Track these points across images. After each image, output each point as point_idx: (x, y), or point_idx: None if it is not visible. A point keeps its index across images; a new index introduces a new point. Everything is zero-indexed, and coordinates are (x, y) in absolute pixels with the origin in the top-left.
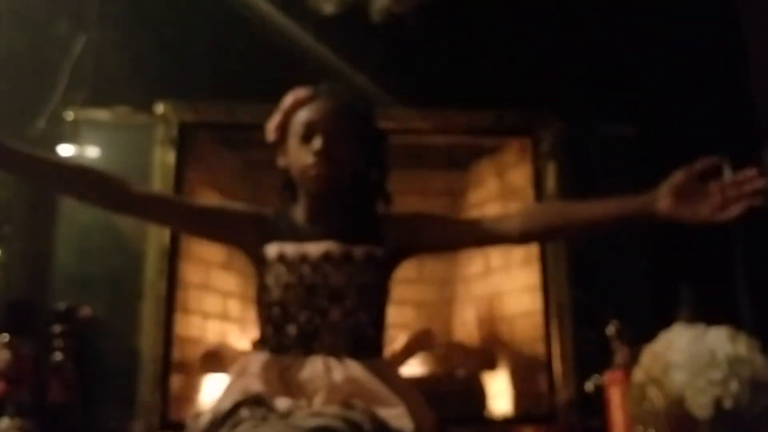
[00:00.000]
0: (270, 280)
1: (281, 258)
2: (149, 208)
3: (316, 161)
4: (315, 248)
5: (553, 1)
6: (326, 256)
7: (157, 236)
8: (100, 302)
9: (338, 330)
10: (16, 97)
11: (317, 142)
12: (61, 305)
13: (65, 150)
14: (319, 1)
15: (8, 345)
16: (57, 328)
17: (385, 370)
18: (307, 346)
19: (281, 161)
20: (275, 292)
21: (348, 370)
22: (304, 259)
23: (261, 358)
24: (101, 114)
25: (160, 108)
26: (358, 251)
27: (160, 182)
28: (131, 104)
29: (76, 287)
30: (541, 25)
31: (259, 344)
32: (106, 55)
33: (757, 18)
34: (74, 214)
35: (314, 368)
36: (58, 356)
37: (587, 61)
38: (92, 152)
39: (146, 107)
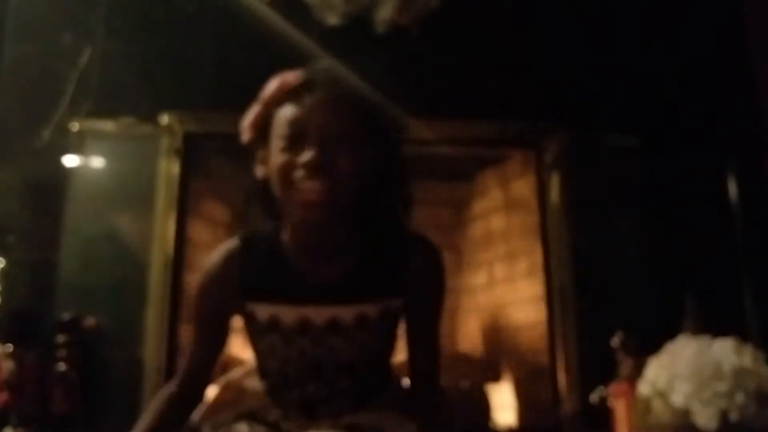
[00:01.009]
0: (263, 346)
1: (274, 326)
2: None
3: (307, 178)
4: (318, 315)
5: (557, 13)
6: (333, 326)
7: (162, 246)
8: (104, 312)
9: (346, 397)
10: (22, 107)
11: (308, 152)
12: (65, 315)
13: (70, 160)
14: (323, 12)
15: (12, 355)
16: (61, 338)
17: (389, 420)
18: (310, 412)
19: (259, 170)
20: (271, 363)
21: None
22: (304, 329)
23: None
24: (106, 124)
25: (165, 119)
26: (372, 312)
27: (164, 192)
28: (136, 115)
29: (81, 297)
30: (545, 36)
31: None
32: (112, 66)
33: (762, 27)
34: (79, 224)
35: None
36: (61, 366)
37: (591, 72)
38: (97, 162)
39: (151, 118)
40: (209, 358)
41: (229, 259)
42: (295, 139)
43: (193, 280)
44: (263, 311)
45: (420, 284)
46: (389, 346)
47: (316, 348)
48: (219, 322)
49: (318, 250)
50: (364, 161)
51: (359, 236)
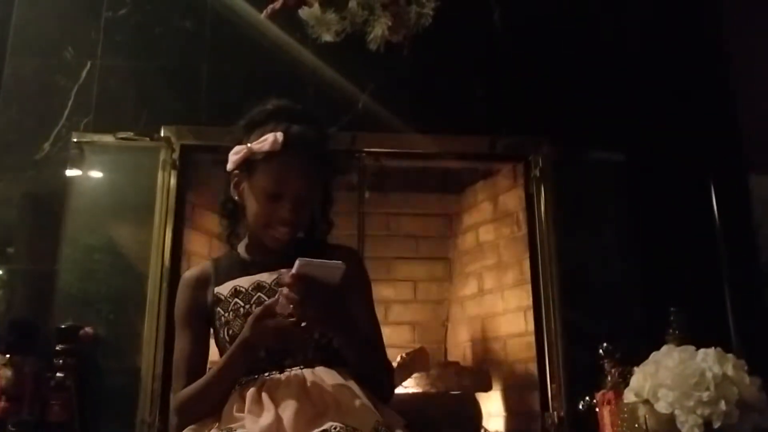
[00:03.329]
0: (229, 315)
1: (236, 292)
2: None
3: (280, 226)
4: (268, 277)
5: (545, 32)
6: (279, 282)
7: (159, 257)
8: (102, 322)
9: (307, 346)
10: (23, 120)
11: (284, 209)
12: (63, 324)
13: (70, 172)
14: (318, 29)
15: (10, 363)
16: (59, 347)
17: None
18: (279, 363)
19: (234, 193)
20: (236, 324)
21: (322, 378)
22: (258, 287)
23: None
24: (105, 138)
25: (162, 132)
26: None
27: (162, 204)
28: (135, 128)
29: (79, 307)
30: (533, 54)
31: None
32: (111, 81)
33: (745, 48)
34: (78, 235)
35: (290, 380)
36: (59, 375)
37: (577, 89)
38: (96, 175)
39: (149, 131)
40: (201, 356)
41: (203, 268)
42: (274, 196)
43: None
44: (227, 287)
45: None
46: None
47: (270, 298)
48: (200, 319)
49: (267, 250)
50: (319, 198)
51: (298, 244)
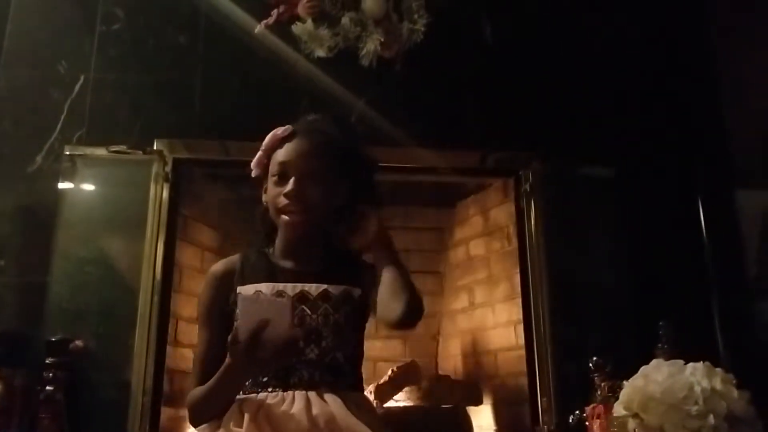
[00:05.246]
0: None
1: (257, 297)
2: None
3: (288, 204)
4: (291, 289)
5: (535, 48)
6: (302, 296)
7: (150, 270)
8: (93, 335)
9: (315, 366)
10: (16, 132)
11: (289, 184)
12: (54, 337)
13: (62, 185)
14: (311, 44)
15: (0, 376)
16: (49, 360)
17: (364, 405)
18: (284, 381)
19: (263, 197)
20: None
21: (327, 406)
22: (279, 296)
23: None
24: (98, 151)
25: (155, 145)
26: (335, 290)
27: (154, 217)
28: (128, 142)
29: (70, 319)
30: (524, 70)
31: None
32: (104, 94)
33: (733, 64)
34: (69, 247)
35: (294, 404)
36: (49, 388)
37: (568, 105)
38: (88, 187)
39: (142, 145)
40: (218, 356)
41: (230, 263)
42: (281, 176)
43: (181, 302)
44: (249, 288)
45: (373, 279)
46: (353, 331)
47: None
48: (222, 316)
49: (296, 255)
50: (335, 192)
51: (329, 243)
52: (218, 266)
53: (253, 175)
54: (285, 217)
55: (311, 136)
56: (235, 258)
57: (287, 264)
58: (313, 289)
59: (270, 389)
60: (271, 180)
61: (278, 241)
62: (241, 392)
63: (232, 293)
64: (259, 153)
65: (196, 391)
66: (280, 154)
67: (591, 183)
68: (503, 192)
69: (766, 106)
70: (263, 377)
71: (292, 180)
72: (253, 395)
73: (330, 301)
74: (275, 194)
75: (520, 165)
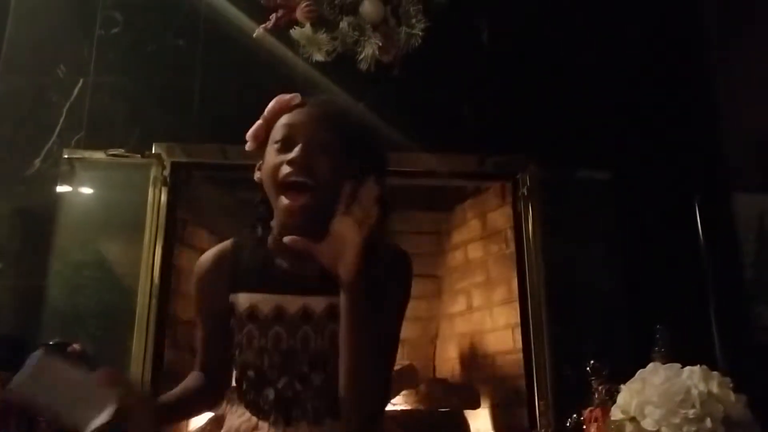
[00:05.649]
0: (241, 338)
1: (252, 315)
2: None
3: (291, 173)
4: (292, 304)
5: (532, 53)
6: (305, 314)
7: (148, 273)
8: (91, 338)
9: (321, 396)
10: (15, 136)
11: (295, 150)
12: (52, 341)
13: (61, 188)
14: (310, 49)
15: None
16: None
17: None
18: (287, 412)
19: (257, 175)
20: (248, 355)
21: None
22: (279, 316)
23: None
24: (97, 154)
25: (153, 149)
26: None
27: (152, 220)
28: (126, 145)
29: (67, 323)
30: (521, 75)
31: (236, 396)
32: (103, 98)
33: (728, 68)
34: (67, 250)
35: None
36: None
37: (565, 109)
38: (87, 191)
39: (141, 148)
40: (223, 350)
41: (221, 256)
42: (286, 142)
43: (179, 306)
44: (244, 300)
45: (386, 287)
46: None
47: (290, 338)
48: (219, 313)
49: (299, 253)
50: (344, 171)
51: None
52: (208, 259)
53: (247, 147)
54: (285, 200)
55: (324, 106)
56: (226, 249)
57: (286, 263)
58: (318, 303)
59: (270, 420)
60: (272, 148)
61: (275, 229)
62: (240, 410)
63: (224, 297)
64: (259, 122)
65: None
66: (285, 119)
67: (588, 186)
68: (501, 195)
69: (762, 109)
70: (264, 404)
71: (299, 146)
72: (252, 421)
73: (337, 318)
74: (276, 163)
75: (518, 168)
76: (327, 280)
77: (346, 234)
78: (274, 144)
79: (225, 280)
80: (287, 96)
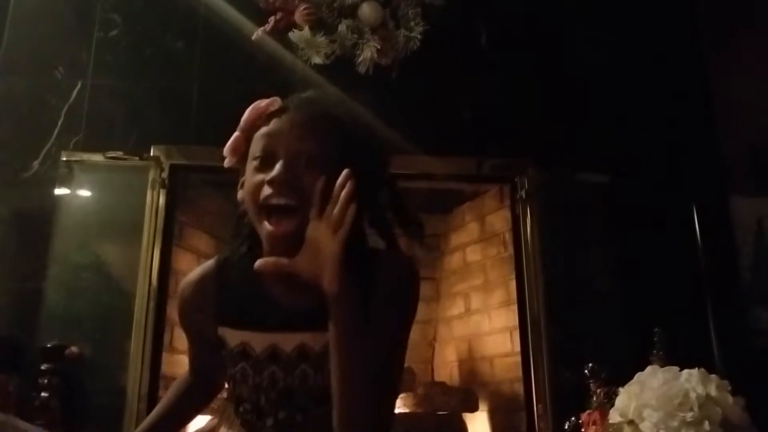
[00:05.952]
0: (234, 373)
1: (244, 353)
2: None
3: (272, 195)
4: (287, 342)
5: (531, 56)
6: (302, 353)
7: (146, 276)
8: (88, 341)
9: (322, 424)
10: (13, 138)
11: (276, 168)
12: (49, 344)
13: (59, 191)
14: (308, 51)
15: None
16: (44, 367)
17: None
18: None
19: (240, 194)
20: (243, 389)
21: None
22: (273, 356)
23: None
24: (95, 157)
25: (152, 151)
26: None
27: (150, 223)
28: (124, 148)
29: (65, 326)
30: (519, 77)
31: (230, 413)
32: (101, 100)
33: (725, 74)
34: (65, 253)
35: None
36: (44, 395)
37: (563, 113)
38: (85, 193)
39: (139, 151)
40: (212, 360)
41: (204, 282)
42: (266, 158)
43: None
44: (234, 337)
45: (389, 300)
46: None
47: (287, 376)
48: (208, 341)
49: (290, 279)
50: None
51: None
52: (190, 286)
53: (225, 164)
54: (268, 226)
55: (307, 108)
56: (209, 273)
57: (276, 291)
58: (316, 341)
59: None
60: (251, 165)
61: (264, 249)
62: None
63: (211, 328)
64: (236, 133)
65: (174, 385)
66: (263, 131)
67: (586, 190)
68: (499, 198)
69: (758, 114)
70: (263, 429)
71: (280, 162)
72: None
73: None
74: (256, 183)
75: (516, 171)
76: (323, 314)
77: (321, 241)
78: (252, 160)
79: (210, 309)
80: (264, 102)
